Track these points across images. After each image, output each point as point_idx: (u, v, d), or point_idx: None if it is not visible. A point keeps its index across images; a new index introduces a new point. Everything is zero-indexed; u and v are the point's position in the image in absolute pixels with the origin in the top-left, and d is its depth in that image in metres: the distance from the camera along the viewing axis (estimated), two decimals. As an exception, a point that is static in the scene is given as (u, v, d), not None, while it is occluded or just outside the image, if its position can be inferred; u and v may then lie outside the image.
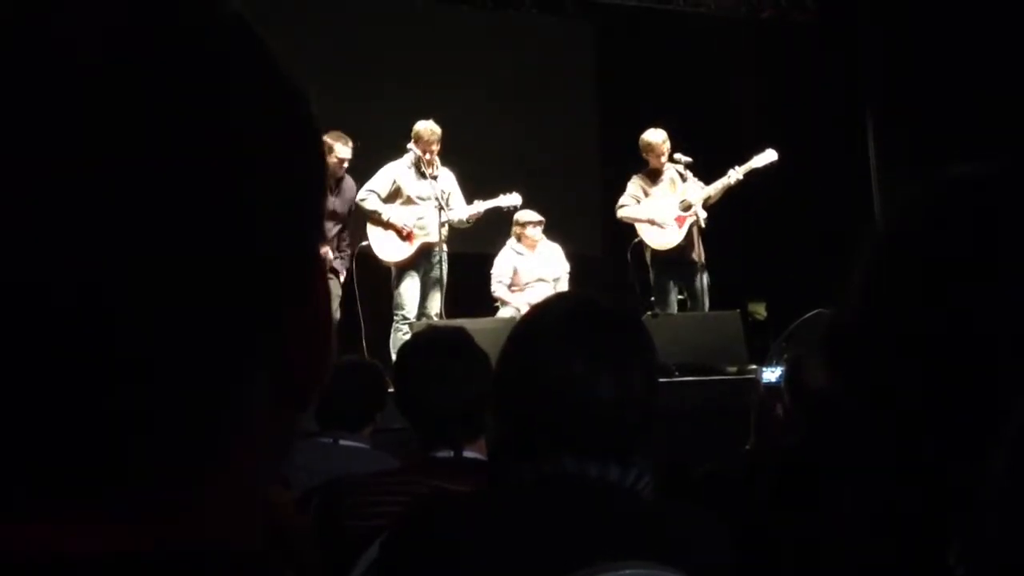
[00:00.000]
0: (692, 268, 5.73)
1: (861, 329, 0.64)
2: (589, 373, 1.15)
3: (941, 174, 0.64)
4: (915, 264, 0.62)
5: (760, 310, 7.01)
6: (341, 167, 5.21)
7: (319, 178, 0.37)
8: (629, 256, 5.90)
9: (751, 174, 5.69)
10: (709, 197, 5.68)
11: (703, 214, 5.63)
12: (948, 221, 0.62)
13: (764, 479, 1.26)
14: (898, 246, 0.64)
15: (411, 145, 5.48)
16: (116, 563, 0.31)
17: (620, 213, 5.87)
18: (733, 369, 5.02)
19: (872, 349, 0.62)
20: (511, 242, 6.08)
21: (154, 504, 0.33)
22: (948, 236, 0.61)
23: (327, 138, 4.85)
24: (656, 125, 5.86)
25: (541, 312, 1.30)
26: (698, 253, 5.70)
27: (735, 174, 5.68)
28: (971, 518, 0.44)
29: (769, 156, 5.68)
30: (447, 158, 5.78)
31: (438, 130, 5.51)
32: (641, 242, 5.85)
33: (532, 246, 6.05)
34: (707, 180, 5.80)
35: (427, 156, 5.43)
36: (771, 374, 2.22)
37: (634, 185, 5.85)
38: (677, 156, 5.77)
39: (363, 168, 6.15)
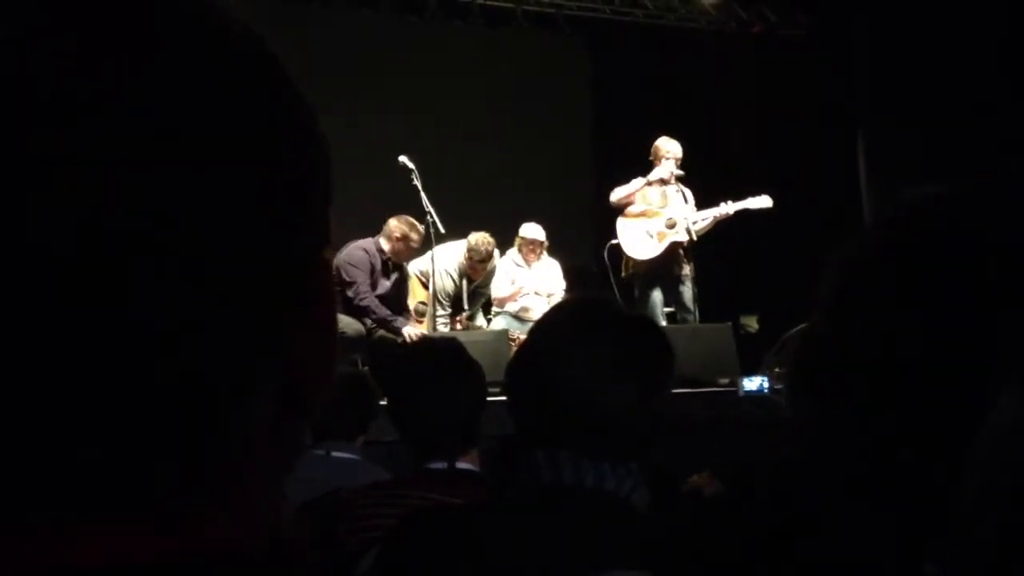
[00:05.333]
0: (679, 281, 5.73)
1: (827, 347, 0.65)
2: (601, 376, 1.15)
3: (908, 193, 0.66)
4: (874, 279, 0.63)
5: (752, 323, 7.03)
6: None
7: (325, 184, 0.38)
8: (606, 256, 5.89)
9: (742, 212, 5.70)
10: (695, 222, 5.67)
11: (692, 233, 5.62)
12: (912, 239, 0.63)
13: (760, 492, 1.26)
14: (858, 262, 0.66)
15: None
16: (125, 573, 0.31)
17: (614, 196, 5.83)
18: (725, 381, 5.03)
19: (839, 366, 0.63)
20: (512, 252, 6.11)
21: (160, 514, 0.33)
22: (912, 254, 0.62)
23: (401, 224, 5.32)
24: (648, 138, 5.88)
25: (563, 311, 1.30)
26: (684, 267, 5.70)
27: (727, 208, 5.68)
28: (947, 525, 0.45)
29: (764, 202, 5.68)
30: (439, 175, 5.82)
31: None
32: (617, 247, 5.85)
33: (530, 262, 6.08)
34: (697, 192, 5.81)
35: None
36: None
37: (636, 182, 5.82)
38: None
39: (354, 174, 6.16)
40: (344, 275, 5.31)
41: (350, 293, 5.27)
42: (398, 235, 5.42)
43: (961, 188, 0.64)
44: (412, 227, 5.44)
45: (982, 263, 0.58)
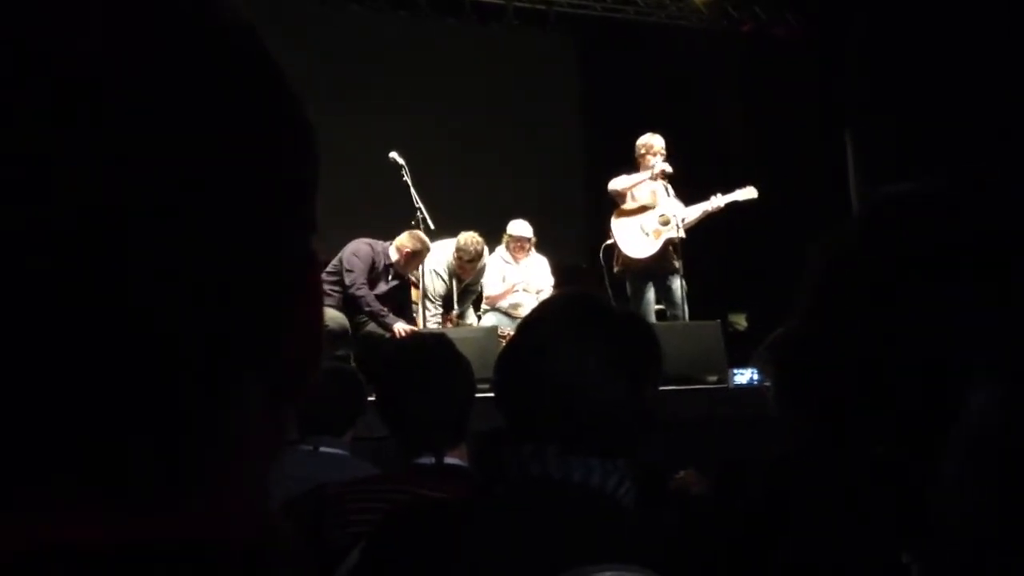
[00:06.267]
0: (669, 277, 5.75)
1: (808, 348, 0.65)
2: (591, 370, 1.16)
3: (883, 192, 0.66)
4: (851, 280, 0.64)
5: (740, 321, 7.06)
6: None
7: (312, 176, 0.38)
8: (601, 257, 5.91)
9: (731, 205, 5.73)
10: (684, 219, 5.69)
11: (681, 229, 5.64)
12: (882, 238, 0.63)
13: (747, 490, 1.27)
14: (835, 264, 0.66)
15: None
16: (116, 556, 0.32)
17: (614, 185, 5.83)
18: (713, 379, 5.04)
19: (820, 366, 0.64)
20: (500, 250, 6.11)
21: (154, 500, 0.33)
22: (881, 253, 0.63)
23: (413, 241, 5.33)
24: (638, 136, 5.89)
25: (552, 307, 1.31)
26: (675, 262, 5.72)
27: (716, 201, 5.71)
28: (922, 516, 0.46)
29: (749, 193, 5.73)
30: (429, 172, 5.82)
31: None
32: (613, 247, 5.86)
33: (518, 259, 6.08)
34: (687, 190, 5.83)
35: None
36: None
37: (639, 175, 5.82)
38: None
39: (344, 171, 6.15)
40: (344, 264, 5.34)
41: (347, 281, 5.28)
42: (408, 249, 5.45)
43: (938, 186, 0.64)
44: (424, 245, 5.47)
45: (958, 262, 0.59)
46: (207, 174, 0.33)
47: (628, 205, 5.84)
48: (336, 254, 5.49)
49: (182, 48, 0.34)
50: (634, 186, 5.80)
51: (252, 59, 0.36)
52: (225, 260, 0.34)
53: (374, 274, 5.45)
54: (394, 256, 5.49)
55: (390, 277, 5.57)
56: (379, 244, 5.51)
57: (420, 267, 5.64)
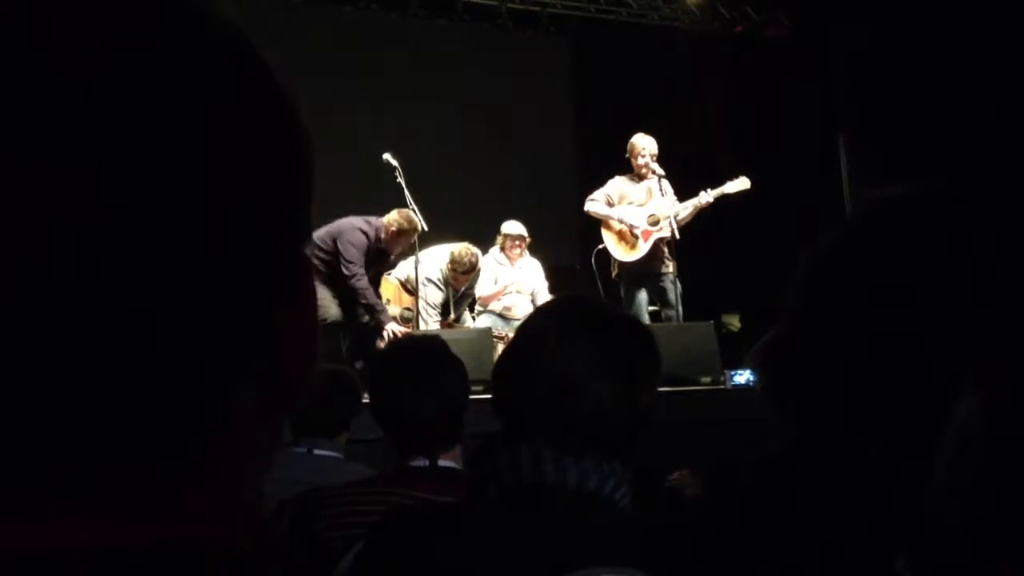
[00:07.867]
0: (662, 279, 5.75)
1: (796, 351, 0.65)
2: (588, 372, 1.16)
3: (872, 196, 0.67)
4: (843, 281, 0.64)
5: (734, 321, 7.07)
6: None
7: (307, 183, 0.38)
8: (593, 261, 5.92)
9: (722, 198, 5.73)
10: (677, 215, 5.70)
11: (675, 230, 5.64)
12: (874, 240, 0.64)
13: (744, 491, 1.27)
14: (827, 265, 0.66)
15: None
16: (110, 558, 0.32)
17: (589, 208, 5.87)
18: (707, 380, 5.05)
19: (807, 369, 0.64)
20: (494, 251, 6.12)
21: (147, 502, 0.33)
22: (873, 255, 0.63)
23: (400, 219, 5.28)
24: (631, 137, 5.90)
25: (552, 309, 1.31)
26: (668, 264, 5.73)
27: (706, 196, 5.70)
28: (915, 521, 0.46)
29: (742, 184, 5.71)
30: (422, 173, 5.82)
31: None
32: (605, 250, 5.87)
33: (513, 259, 6.09)
34: (679, 192, 5.84)
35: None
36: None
37: (612, 185, 5.85)
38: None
39: (338, 172, 6.14)
40: (344, 255, 5.32)
41: (346, 271, 5.27)
42: (394, 228, 5.44)
43: (930, 189, 0.65)
44: (411, 225, 5.44)
45: (950, 264, 0.59)
46: (203, 179, 0.33)
47: (623, 205, 5.85)
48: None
49: (180, 54, 0.34)
50: (606, 218, 5.80)
51: (249, 66, 0.36)
52: (221, 266, 0.34)
53: (368, 258, 5.44)
54: (383, 236, 5.48)
55: (374, 262, 5.54)
56: (370, 228, 5.47)
57: (414, 264, 5.62)
